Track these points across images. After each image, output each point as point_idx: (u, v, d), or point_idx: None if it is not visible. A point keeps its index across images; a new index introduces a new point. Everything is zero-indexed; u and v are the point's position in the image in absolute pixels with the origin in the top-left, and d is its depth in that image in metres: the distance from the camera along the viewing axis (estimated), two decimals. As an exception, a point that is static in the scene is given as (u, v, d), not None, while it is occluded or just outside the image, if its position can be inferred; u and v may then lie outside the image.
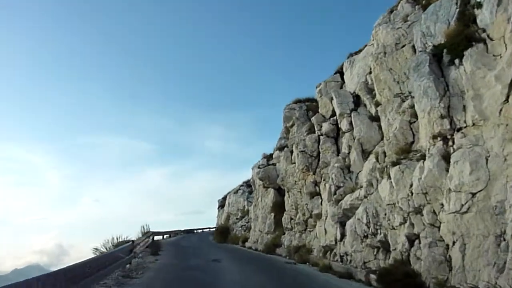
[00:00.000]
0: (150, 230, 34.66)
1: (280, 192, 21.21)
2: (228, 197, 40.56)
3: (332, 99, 15.63)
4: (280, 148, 21.53)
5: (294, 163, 18.10)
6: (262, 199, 22.39)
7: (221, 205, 47.51)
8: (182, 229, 59.10)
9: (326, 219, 14.19)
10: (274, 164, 22.50)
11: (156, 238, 39.59)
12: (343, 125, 14.44)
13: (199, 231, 64.96)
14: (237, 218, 33.20)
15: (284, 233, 18.34)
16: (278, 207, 20.32)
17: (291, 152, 19.37)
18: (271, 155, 23.80)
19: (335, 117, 15.45)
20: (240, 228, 28.65)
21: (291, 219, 17.75)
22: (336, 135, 15.39)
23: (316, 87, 17.63)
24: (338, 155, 14.44)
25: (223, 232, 32.07)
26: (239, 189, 36.92)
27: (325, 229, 14.15)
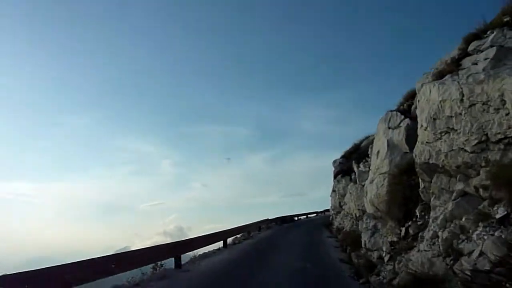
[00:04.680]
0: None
1: None
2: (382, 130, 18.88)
3: None
4: None
5: None
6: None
7: (341, 170, 24.94)
8: (273, 217, 34.86)
9: None
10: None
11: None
12: None
13: (302, 217, 43.84)
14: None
15: None
16: None
17: None
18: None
19: None
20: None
21: None
22: None
23: None
24: None
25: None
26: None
27: None
